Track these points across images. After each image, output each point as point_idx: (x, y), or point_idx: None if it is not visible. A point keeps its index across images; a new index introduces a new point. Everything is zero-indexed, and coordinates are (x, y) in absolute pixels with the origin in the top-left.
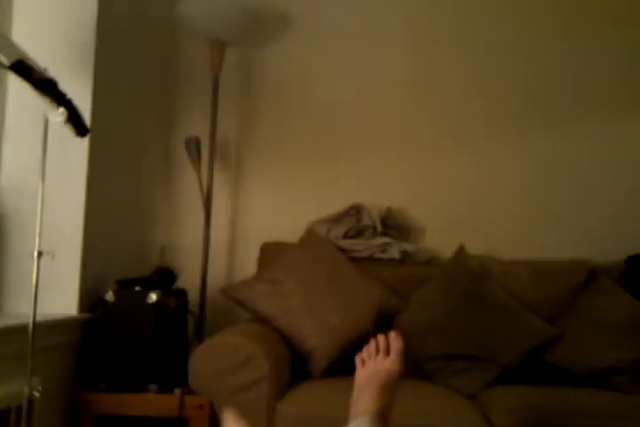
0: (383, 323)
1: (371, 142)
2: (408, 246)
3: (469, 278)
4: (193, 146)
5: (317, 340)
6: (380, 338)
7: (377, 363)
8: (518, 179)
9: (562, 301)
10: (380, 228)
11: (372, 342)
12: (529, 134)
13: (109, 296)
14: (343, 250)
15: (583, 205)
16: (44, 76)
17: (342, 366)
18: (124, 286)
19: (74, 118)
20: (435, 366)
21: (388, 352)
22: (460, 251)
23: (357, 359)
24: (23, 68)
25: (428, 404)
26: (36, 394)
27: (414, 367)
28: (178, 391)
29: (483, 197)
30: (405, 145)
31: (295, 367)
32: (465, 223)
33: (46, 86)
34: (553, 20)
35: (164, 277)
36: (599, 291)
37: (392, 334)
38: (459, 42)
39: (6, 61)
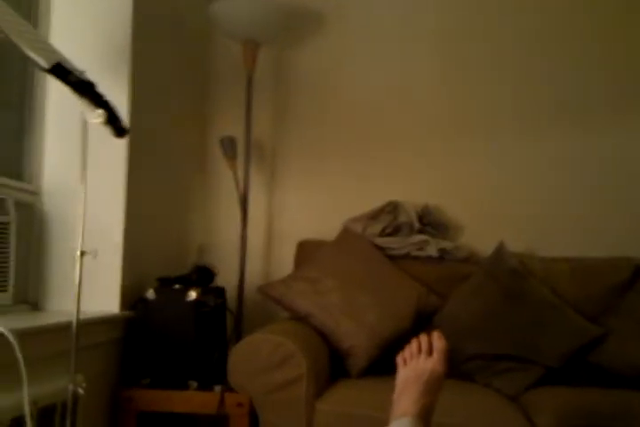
0: (422, 322)
1: (406, 139)
2: (446, 244)
3: (510, 276)
4: (228, 145)
5: (355, 338)
6: (423, 337)
7: (419, 363)
8: (558, 175)
9: (606, 299)
10: (417, 225)
11: (415, 342)
12: (568, 131)
13: (150, 294)
14: (380, 248)
15: (626, 200)
16: (82, 78)
17: (380, 366)
18: (164, 284)
19: (112, 119)
20: (475, 365)
21: (430, 352)
22: (500, 248)
23: (399, 359)
24: (62, 71)
25: (468, 404)
26: (81, 391)
27: (454, 367)
28: (218, 389)
29: (521, 194)
30: (442, 141)
31: (333, 366)
32: (504, 220)
33: (84, 88)
34: (582, 17)
35: (203, 276)
36: None
37: (435, 334)
38: (489, 39)
39: (45, 64)
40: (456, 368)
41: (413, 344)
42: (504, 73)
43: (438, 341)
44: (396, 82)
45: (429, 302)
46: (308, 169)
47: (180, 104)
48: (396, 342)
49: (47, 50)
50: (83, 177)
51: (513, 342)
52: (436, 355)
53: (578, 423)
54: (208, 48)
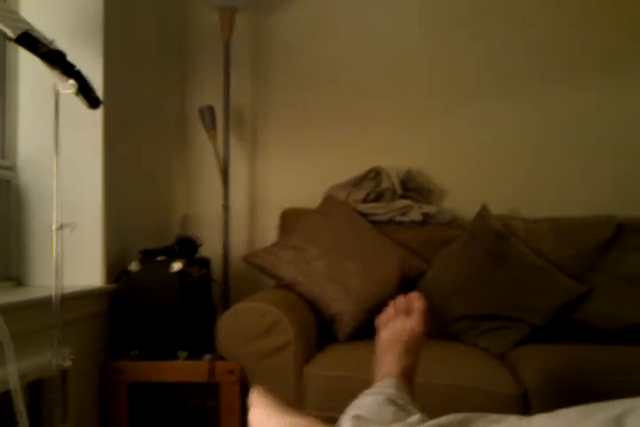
0: (407, 285)
1: (388, 105)
2: (429, 208)
3: (493, 238)
4: (207, 115)
5: (342, 304)
6: (401, 299)
7: (398, 324)
8: (539, 135)
9: (589, 257)
10: (399, 190)
11: (393, 304)
12: (550, 89)
13: (133, 266)
14: (363, 214)
15: (607, 159)
16: (51, 47)
17: (367, 330)
18: (147, 256)
19: (84, 90)
20: (461, 326)
21: (409, 313)
22: (483, 210)
23: (379, 322)
24: (30, 41)
25: (455, 363)
26: (68, 364)
27: (441, 329)
28: (207, 357)
29: (503, 156)
30: (422, 106)
31: (321, 332)
32: (486, 183)
33: (54, 58)
34: None
35: (187, 247)
36: (627, 246)
37: (413, 295)
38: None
39: (12, 34)
40: (443, 330)
41: (392, 306)
42: (488, 34)
43: (417, 301)
44: (377, 47)
45: (414, 266)
46: (290, 137)
47: (156, 74)
48: (382, 307)
49: (14, 19)
50: (55, 148)
51: (498, 302)
52: (415, 315)
53: (564, 379)
54: (184, 16)
